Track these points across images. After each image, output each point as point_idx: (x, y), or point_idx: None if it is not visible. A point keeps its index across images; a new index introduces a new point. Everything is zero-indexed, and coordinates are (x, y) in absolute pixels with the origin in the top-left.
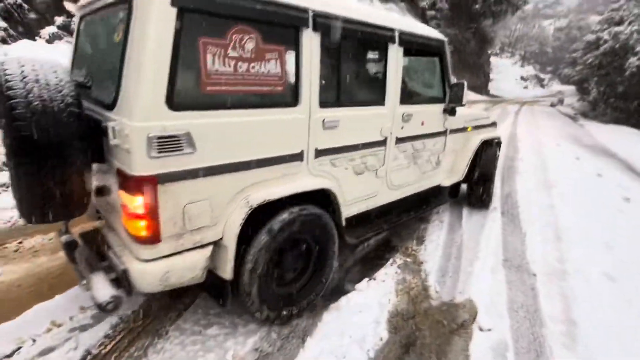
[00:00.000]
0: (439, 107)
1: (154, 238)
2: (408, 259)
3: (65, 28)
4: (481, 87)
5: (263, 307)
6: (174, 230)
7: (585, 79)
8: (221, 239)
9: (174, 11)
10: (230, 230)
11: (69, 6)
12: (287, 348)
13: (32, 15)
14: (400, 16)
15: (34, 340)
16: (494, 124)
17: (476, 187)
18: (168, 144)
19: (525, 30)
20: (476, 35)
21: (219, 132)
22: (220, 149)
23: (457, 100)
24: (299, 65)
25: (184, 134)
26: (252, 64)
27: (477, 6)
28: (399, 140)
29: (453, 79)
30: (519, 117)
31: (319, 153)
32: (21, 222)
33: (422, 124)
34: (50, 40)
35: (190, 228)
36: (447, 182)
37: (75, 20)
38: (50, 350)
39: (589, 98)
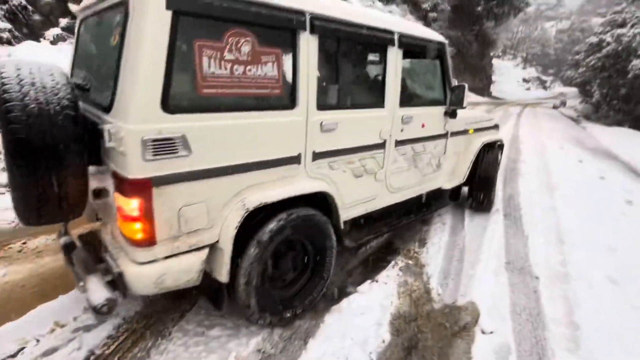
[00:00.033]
0: (439, 110)
1: (149, 241)
2: (410, 262)
3: (70, 30)
4: (483, 89)
5: (260, 313)
6: (170, 233)
7: (587, 81)
8: (217, 241)
9: (169, 14)
10: (226, 233)
11: (73, 8)
12: (289, 349)
13: (37, 17)
14: (399, 18)
15: (38, 341)
16: (496, 127)
17: (477, 190)
18: (163, 146)
19: (527, 32)
20: (478, 38)
21: (215, 135)
22: (216, 151)
23: (458, 102)
24: (296, 68)
25: (179, 136)
26: (248, 67)
27: (479, 8)
28: (399, 143)
29: (454, 81)
30: (521, 119)
31: (317, 156)
32: None
33: (423, 126)
34: (55, 41)
35: (186, 231)
36: (448, 185)
37: (76, 22)
38: (53, 350)
39: (591, 100)
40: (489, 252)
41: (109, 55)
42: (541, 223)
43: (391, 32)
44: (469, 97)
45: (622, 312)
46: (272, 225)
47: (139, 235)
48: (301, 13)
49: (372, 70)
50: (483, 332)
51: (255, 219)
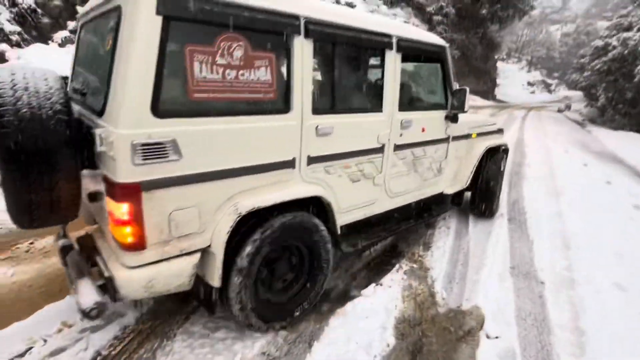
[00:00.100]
0: (440, 114)
1: (139, 245)
2: (414, 265)
3: None
4: (487, 92)
5: (252, 318)
6: (160, 237)
7: (593, 85)
8: (210, 246)
9: (159, 19)
10: (218, 237)
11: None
12: (293, 352)
13: (46, 20)
14: (398, 22)
15: (45, 341)
16: (500, 131)
17: (481, 195)
18: (153, 151)
19: (532, 35)
20: (483, 41)
21: (206, 140)
22: (207, 156)
23: (459, 106)
24: (290, 72)
25: (169, 141)
26: (241, 71)
27: (483, 11)
28: (398, 147)
29: (455, 85)
30: (525, 123)
31: (312, 160)
32: None
33: (423, 130)
34: (63, 44)
35: (177, 235)
36: (449, 190)
37: (77, 27)
38: (61, 350)
39: (597, 104)
40: (493, 257)
41: (103, 60)
42: (546, 227)
43: (389, 36)
44: (474, 100)
45: (629, 319)
46: (257, 235)
47: (129, 239)
48: (295, 17)
49: (370, 74)
50: (488, 337)
51: (249, 223)
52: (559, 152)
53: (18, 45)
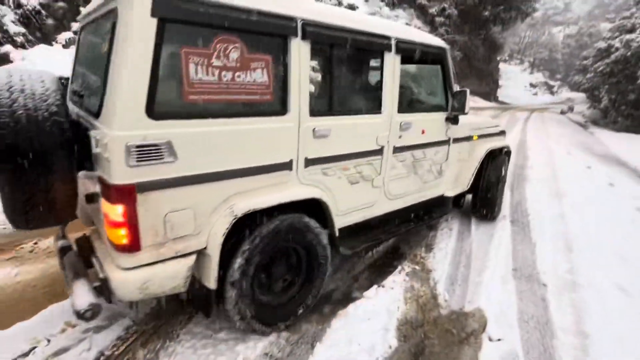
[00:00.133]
0: (440, 116)
1: (134, 246)
2: (417, 267)
3: None
4: (490, 93)
5: (248, 320)
6: (155, 239)
7: (596, 87)
8: (205, 248)
9: (154, 22)
10: (214, 239)
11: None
12: (296, 354)
13: (50, 21)
14: (397, 23)
15: (49, 341)
16: (502, 133)
17: (482, 198)
18: (148, 153)
19: (534, 37)
20: (485, 42)
21: (202, 141)
22: (203, 157)
23: (460, 108)
24: (287, 74)
25: (164, 142)
26: (237, 73)
27: (486, 13)
28: (397, 149)
29: (456, 87)
30: (528, 124)
31: (310, 162)
32: None
33: (423, 132)
34: (67, 45)
35: (172, 237)
36: (450, 193)
37: (78, 30)
38: (64, 350)
39: (600, 106)
40: (496, 259)
41: (100, 62)
42: (549, 230)
43: (388, 38)
44: (476, 102)
45: (632, 321)
46: (246, 245)
47: (124, 241)
48: (292, 19)
49: (369, 76)
50: (490, 340)
51: (246, 225)
52: (561, 154)
53: (23, 46)
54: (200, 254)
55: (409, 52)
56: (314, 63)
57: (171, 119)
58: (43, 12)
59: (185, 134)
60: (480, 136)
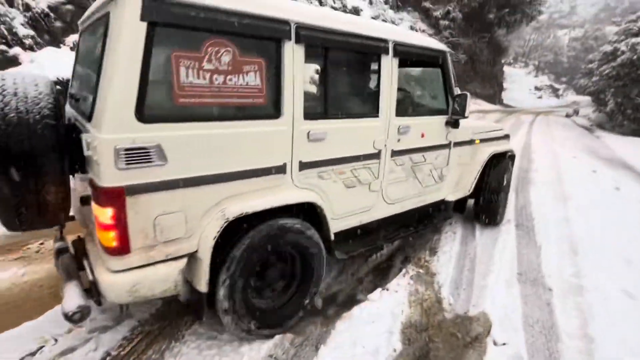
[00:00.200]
0: (440, 119)
1: (123, 249)
2: (421, 270)
3: None
4: (494, 96)
5: (240, 325)
6: (145, 242)
7: (601, 90)
8: (197, 251)
9: (143, 26)
10: (205, 242)
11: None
12: (300, 356)
13: (58, 24)
14: (395, 26)
15: (56, 340)
16: (506, 137)
17: (485, 203)
18: (137, 156)
19: (539, 40)
20: (490, 45)
21: (193, 145)
22: (194, 161)
23: (460, 112)
24: (280, 77)
25: (154, 146)
26: (229, 76)
27: (491, 16)
28: (396, 153)
29: (457, 90)
30: (533, 127)
31: (304, 166)
32: None
33: (422, 136)
34: (74, 47)
35: (163, 240)
36: (451, 197)
37: (78, 33)
38: (71, 350)
39: (605, 109)
40: (500, 263)
41: (94, 66)
42: (554, 234)
43: (385, 41)
44: (480, 105)
45: (638, 326)
46: (236, 253)
47: (113, 244)
48: (285, 23)
49: (365, 79)
50: (495, 344)
51: (240, 228)
52: (566, 157)
53: (31, 48)
54: (192, 257)
55: (407, 55)
56: (309, 66)
57: (161, 122)
58: (51, 14)
59: (176, 137)
60: (483, 140)
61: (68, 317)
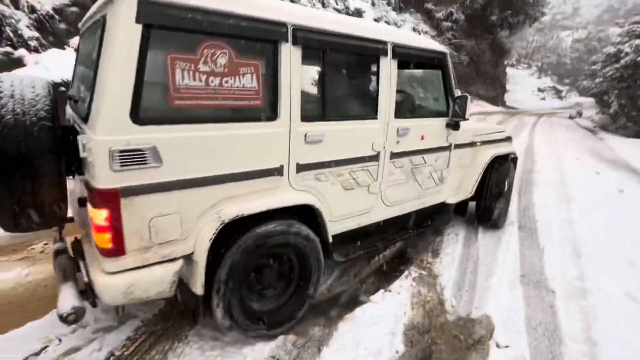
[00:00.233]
0: (441, 121)
1: (118, 251)
2: (423, 272)
3: None
4: (497, 98)
5: (235, 327)
6: (140, 244)
7: (605, 92)
8: (192, 253)
9: (139, 28)
10: (201, 244)
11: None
12: (303, 357)
13: (62, 26)
14: (394, 28)
15: (60, 340)
16: (508, 139)
17: (486, 205)
18: (132, 157)
19: (542, 41)
20: (492, 46)
21: (189, 147)
22: (190, 163)
23: (461, 114)
24: (277, 79)
25: (149, 148)
26: (225, 78)
27: (493, 17)
28: (395, 155)
29: (457, 92)
30: (536, 129)
31: (302, 168)
32: None
33: (422, 138)
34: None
35: (158, 242)
36: (452, 200)
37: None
38: (75, 350)
39: (609, 111)
40: (503, 265)
41: (91, 68)
42: (557, 235)
43: (384, 43)
44: (483, 106)
45: None
46: (230, 260)
47: (108, 245)
48: (282, 24)
49: (364, 81)
50: (498, 346)
51: (236, 230)
52: (570, 159)
53: (36, 50)
54: (188, 259)
55: (406, 57)
56: (306, 68)
57: (156, 124)
58: (56, 16)
59: (171, 139)
60: (484, 142)
61: (62, 319)
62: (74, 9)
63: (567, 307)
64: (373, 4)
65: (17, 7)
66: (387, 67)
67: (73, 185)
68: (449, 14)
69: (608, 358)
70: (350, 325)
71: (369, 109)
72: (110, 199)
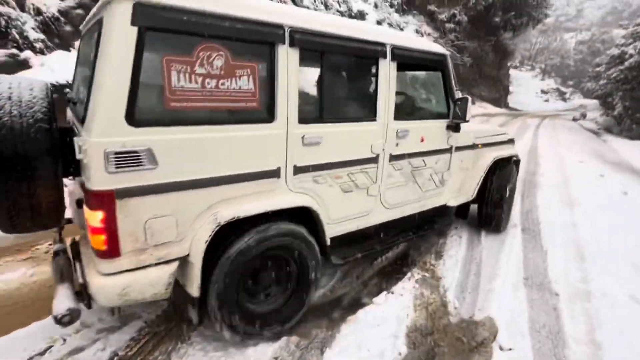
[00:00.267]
0: (441, 123)
1: (113, 252)
2: (426, 274)
3: None
4: (500, 100)
5: (231, 329)
6: (135, 246)
7: (609, 94)
8: (188, 255)
9: (134, 30)
10: (196, 246)
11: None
12: (305, 359)
13: (68, 28)
14: (394, 30)
15: (65, 340)
16: (510, 141)
17: (488, 208)
18: (127, 159)
19: (546, 43)
20: (495, 48)
21: (184, 148)
22: (185, 164)
23: (461, 116)
24: (274, 81)
25: (144, 149)
26: (221, 80)
27: (496, 19)
28: (394, 157)
29: (458, 94)
30: (539, 131)
31: (299, 170)
32: None
33: (422, 140)
34: None
35: (153, 243)
36: (453, 202)
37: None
38: (79, 350)
39: (613, 113)
40: (506, 267)
41: (89, 70)
42: (561, 238)
43: (382, 45)
44: (485, 108)
45: None
46: (224, 263)
47: (103, 247)
48: (279, 27)
49: (362, 83)
50: (501, 349)
51: (233, 232)
52: (573, 161)
53: (41, 52)
54: (184, 261)
55: (406, 59)
56: (303, 70)
57: (152, 126)
58: (61, 18)
59: (167, 140)
60: (487, 144)
61: (57, 320)
62: (79, 11)
63: (571, 309)
64: (376, 6)
65: (22, 10)
66: (386, 69)
67: (72, 187)
68: (452, 16)
69: None
70: (352, 327)
71: (367, 111)
72: (105, 200)
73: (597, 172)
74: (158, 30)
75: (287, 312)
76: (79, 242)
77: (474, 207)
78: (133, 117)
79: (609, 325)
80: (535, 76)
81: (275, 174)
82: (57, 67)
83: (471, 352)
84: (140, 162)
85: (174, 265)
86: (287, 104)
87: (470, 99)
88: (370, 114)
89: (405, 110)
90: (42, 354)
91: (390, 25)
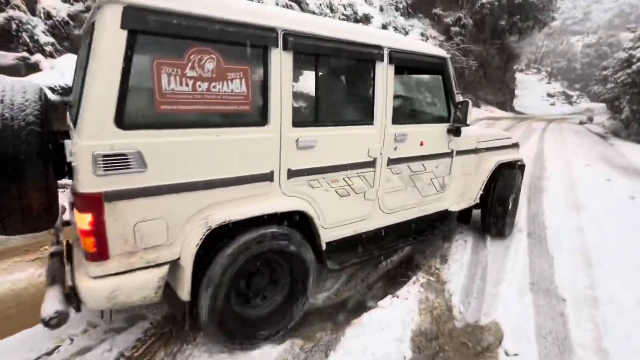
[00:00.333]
0: (441, 127)
1: (101, 255)
2: (431, 278)
3: None
4: (506, 103)
5: (221, 334)
6: (124, 249)
7: (616, 97)
8: (179, 258)
9: (124, 33)
10: (187, 250)
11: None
12: None
13: (77, 32)
14: (392, 33)
15: (72, 340)
16: (515, 145)
17: (491, 214)
18: (115, 162)
19: (552, 46)
20: (501, 51)
21: (174, 151)
22: (175, 168)
23: (462, 119)
24: (267, 85)
25: (133, 152)
26: (213, 84)
27: (502, 22)
28: (392, 161)
29: (459, 97)
30: (545, 135)
31: (293, 173)
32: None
33: (421, 144)
34: None
35: (143, 247)
36: (455, 207)
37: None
38: (86, 350)
39: (620, 117)
40: (512, 272)
41: (82, 73)
42: (567, 243)
43: (380, 47)
44: (491, 111)
45: None
46: (217, 266)
47: (92, 249)
48: (272, 30)
49: (359, 86)
50: (507, 354)
51: (224, 236)
52: (580, 165)
53: (51, 55)
54: (174, 264)
55: (404, 62)
56: (297, 73)
57: (141, 129)
58: (71, 22)
59: (156, 144)
60: (489, 148)
61: (45, 323)
62: (88, 15)
63: (578, 315)
64: (381, 10)
65: (33, 14)
66: (384, 72)
67: (69, 189)
68: (457, 19)
69: None
70: (357, 330)
71: (364, 114)
72: (93, 203)
73: (604, 176)
74: (148, 33)
75: (280, 317)
76: (72, 245)
77: (477, 212)
78: (122, 120)
79: (616, 331)
80: (542, 79)
81: (268, 177)
82: (66, 70)
83: (476, 357)
84: (128, 165)
85: (164, 269)
86: (280, 107)
87: (470, 102)
88: (367, 117)
89: (404, 113)
90: (49, 353)
91: (395, 28)
